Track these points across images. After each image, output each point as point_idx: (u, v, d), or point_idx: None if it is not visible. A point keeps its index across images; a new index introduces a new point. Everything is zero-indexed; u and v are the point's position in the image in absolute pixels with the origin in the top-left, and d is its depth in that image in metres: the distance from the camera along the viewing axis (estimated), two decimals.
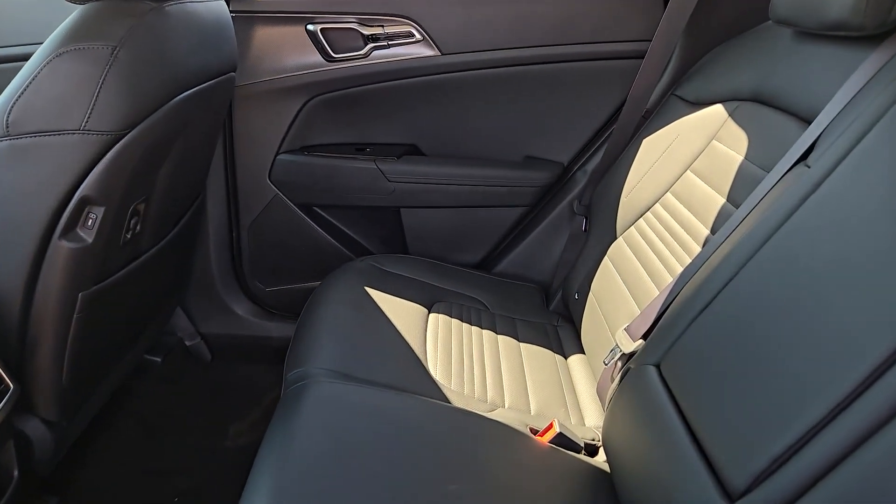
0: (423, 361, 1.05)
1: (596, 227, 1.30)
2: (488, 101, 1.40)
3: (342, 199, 1.45)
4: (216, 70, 1.02)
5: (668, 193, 1.09)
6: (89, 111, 0.76)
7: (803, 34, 0.94)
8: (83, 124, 0.76)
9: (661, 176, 1.12)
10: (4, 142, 0.76)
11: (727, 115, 1.03)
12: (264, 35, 1.32)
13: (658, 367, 0.81)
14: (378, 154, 1.43)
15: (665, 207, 1.09)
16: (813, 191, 0.71)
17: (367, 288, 1.19)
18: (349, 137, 1.45)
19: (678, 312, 0.82)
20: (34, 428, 0.91)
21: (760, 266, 0.72)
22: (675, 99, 1.19)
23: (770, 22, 0.99)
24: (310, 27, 1.32)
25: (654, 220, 1.10)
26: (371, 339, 1.06)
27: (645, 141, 1.21)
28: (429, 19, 1.31)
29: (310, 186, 1.44)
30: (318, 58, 1.33)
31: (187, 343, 1.52)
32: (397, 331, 1.09)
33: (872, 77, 0.75)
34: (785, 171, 0.80)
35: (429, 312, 1.18)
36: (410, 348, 1.06)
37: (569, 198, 1.42)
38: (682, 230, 1.01)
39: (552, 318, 1.31)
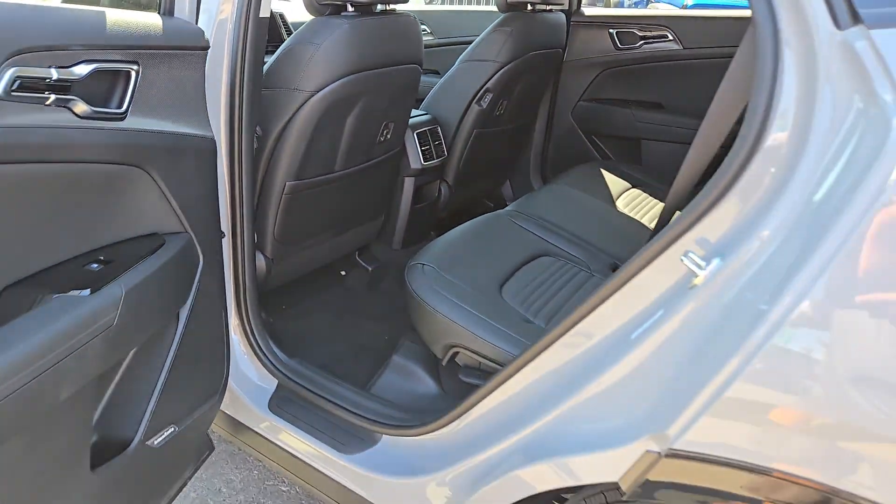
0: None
1: None
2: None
3: (608, 130, 2.47)
4: (552, 45, 2.16)
5: None
6: (500, 50, 1.96)
7: None
8: (497, 57, 1.97)
9: None
10: (470, 63, 2.03)
11: None
12: (583, 34, 2.42)
13: None
14: (633, 107, 2.40)
15: None
16: None
17: (602, 170, 2.19)
18: (618, 95, 2.45)
19: None
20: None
21: None
22: None
23: None
24: (611, 30, 2.37)
25: None
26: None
27: None
28: (679, 28, 2.23)
29: (591, 120, 2.49)
30: (610, 46, 2.38)
31: (507, 203, 2.74)
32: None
33: None
34: None
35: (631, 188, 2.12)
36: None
37: None
38: None
39: None
